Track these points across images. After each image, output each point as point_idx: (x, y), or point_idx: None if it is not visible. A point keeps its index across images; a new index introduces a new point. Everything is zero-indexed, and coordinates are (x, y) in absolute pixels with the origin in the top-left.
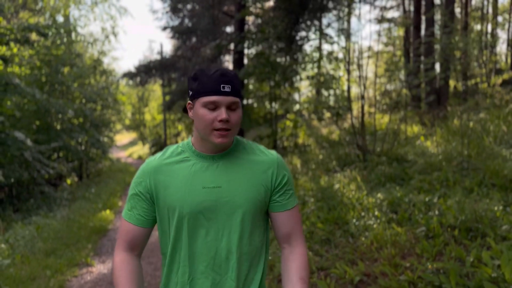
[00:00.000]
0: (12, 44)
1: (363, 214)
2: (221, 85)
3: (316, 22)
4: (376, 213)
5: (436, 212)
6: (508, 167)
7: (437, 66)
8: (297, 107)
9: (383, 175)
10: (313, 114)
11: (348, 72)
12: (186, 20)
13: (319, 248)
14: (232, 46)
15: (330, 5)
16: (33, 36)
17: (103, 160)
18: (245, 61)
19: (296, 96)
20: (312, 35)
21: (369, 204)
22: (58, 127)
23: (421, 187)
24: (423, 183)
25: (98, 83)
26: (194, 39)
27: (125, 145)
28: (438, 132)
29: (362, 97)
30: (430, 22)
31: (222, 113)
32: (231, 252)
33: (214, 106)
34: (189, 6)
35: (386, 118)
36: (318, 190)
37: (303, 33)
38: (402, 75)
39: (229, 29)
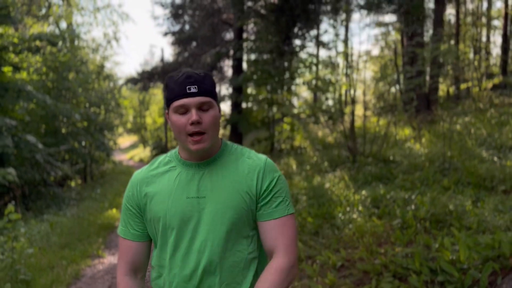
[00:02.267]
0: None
1: (348, 209)
2: (187, 87)
3: (313, 31)
4: (360, 208)
5: (413, 207)
6: (483, 167)
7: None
8: (294, 111)
9: (370, 174)
10: (309, 118)
11: (347, 75)
12: (187, 26)
13: (308, 239)
14: (231, 52)
15: (326, 14)
16: (37, 42)
17: (107, 162)
18: (245, 66)
19: (294, 100)
20: (308, 43)
21: (355, 201)
22: (64, 130)
23: (404, 185)
24: (405, 182)
25: (102, 88)
26: (194, 44)
27: (126, 148)
28: (426, 135)
29: (353, 101)
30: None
31: (192, 115)
32: (214, 265)
33: (184, 110)
34: (189, 12)
35: (379, 122)
36: (310, 189)
37: (297, 42)
38: (400, 79)
39: (228, 35)
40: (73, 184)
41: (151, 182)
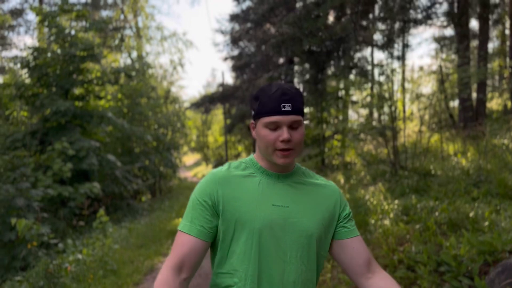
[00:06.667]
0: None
1: (381, 216)
2: (282, 105)
3: (364, 53)
4: (391, 215)
5: (436, 214)
6: None
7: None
8: (348, 127)
9: (408, 187)
10: (359, 135)
11: (403, 90)
12: (246, 50)
13: None
14: (283, 76)
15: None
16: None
17: (173, 178)
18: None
19: (353, 116)
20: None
21: (388, 209)
22: (138, 150)
23: (437, 196)
24: (439, 193)
25: (168, 110)
26: (252, 67)
27: (190, 166)
28: (471, 150)
29: (394, 118)
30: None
31: (284, 133)
32: (298, 276)
33: (275, 126)
34: (246, 38)
35: (424, 136)
36: (352, 200)
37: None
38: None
39: (281, 60)
40: (143, 199)
41: (233, 183)
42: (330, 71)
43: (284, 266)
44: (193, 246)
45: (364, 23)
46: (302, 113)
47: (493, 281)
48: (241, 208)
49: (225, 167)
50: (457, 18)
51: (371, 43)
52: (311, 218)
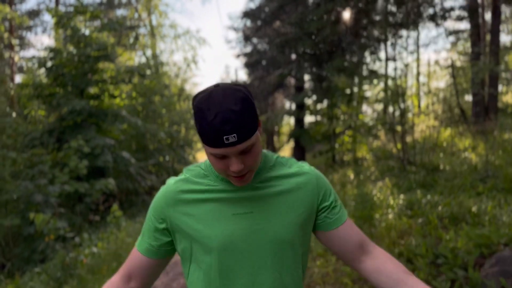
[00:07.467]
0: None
1: (386, 211)
2: (224, 137)
3: (376, 45)
4: (396, 210)
5: (439, 208)
6: None
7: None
8: (359, 122)
9: (415, 182)
10: (371, 130)
11: (417, 83)
12: (259, 46)
13: None
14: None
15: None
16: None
17: None
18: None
19: (368, 111)
20: (368, 58)
21: (393, 204)
22: (152, 147)
23: (442, 191)
24: (445, 188)
25: (182, 108)
26: (263, 64)
27: None
28: (481, 145)
29: (402, 114)
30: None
31: (233, 165)
32: (272, 285)
33: (222, 156)
34: (258, 35)
35: (438, 132)
36: (359, 195)
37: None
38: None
39: (293, 56)
40: None
41: (188, 197)
42: (329, 70)
43: (253, 279)
44: (140, 263)
45: (377, 18)
46: (252, 133)
47: (487, 273)
48: (195, 225)
49: (181, 176)
50: (470, 12)
51: (383, 40)
52: (280, 220)
